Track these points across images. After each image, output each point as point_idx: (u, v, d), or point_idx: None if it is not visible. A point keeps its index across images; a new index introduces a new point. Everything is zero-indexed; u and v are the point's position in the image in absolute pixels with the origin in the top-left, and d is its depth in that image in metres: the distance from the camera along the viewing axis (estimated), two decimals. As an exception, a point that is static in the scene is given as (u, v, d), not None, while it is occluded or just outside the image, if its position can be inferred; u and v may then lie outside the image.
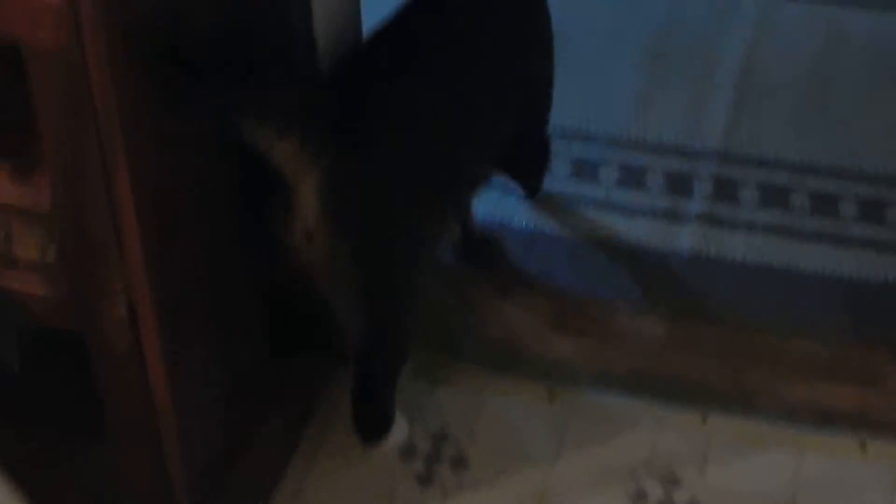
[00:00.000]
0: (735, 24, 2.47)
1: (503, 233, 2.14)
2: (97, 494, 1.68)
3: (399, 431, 1.83)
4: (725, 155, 2.25)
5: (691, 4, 2.51)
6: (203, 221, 1.56)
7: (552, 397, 1.91)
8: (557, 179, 2.21)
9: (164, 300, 1.45)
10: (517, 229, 2.14)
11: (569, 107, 2.27)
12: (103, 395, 1.52)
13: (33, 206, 1.41)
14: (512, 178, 2.13)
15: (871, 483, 1.78)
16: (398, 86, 1.67)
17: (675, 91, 2.36)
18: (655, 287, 2.07)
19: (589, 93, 2.35)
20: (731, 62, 2.40)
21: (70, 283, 1.44)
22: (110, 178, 1.34)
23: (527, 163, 2.14)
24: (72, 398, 1.70)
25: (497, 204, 2.16)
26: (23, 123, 1.35)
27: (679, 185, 2.21)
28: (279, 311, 1.79)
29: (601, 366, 1.95)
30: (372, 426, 1.80)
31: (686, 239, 2.12)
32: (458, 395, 1.91)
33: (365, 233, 1.64)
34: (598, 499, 1.77)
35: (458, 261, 2.10)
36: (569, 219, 2.16)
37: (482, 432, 1.86)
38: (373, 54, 1.74)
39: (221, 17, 1.48)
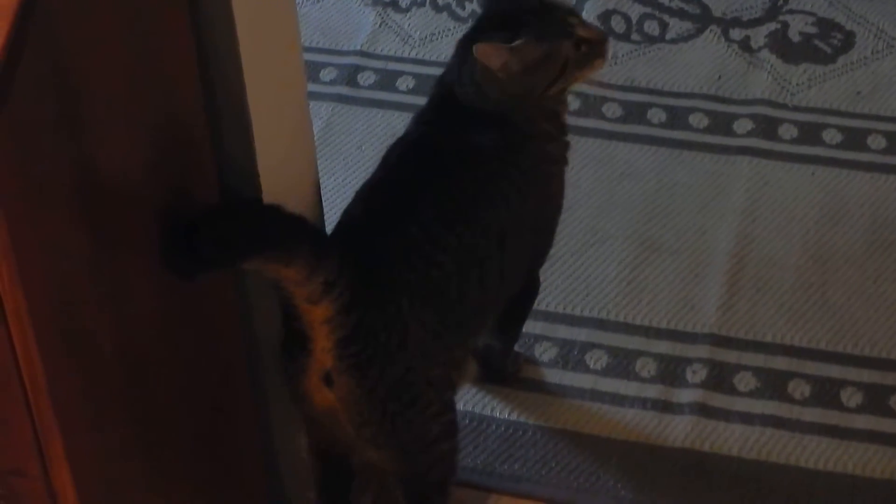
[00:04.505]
0: (727, 194, 2.34)
1: (482, 426, 2.01)
2: None
3: None
4: (719, 338, 2.13)
5: (681, 174, 2.37)
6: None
7: None
8: (541, 366, 2.09)
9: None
10: (498, 421, 2.02)
11: (554, 290, 2.17)
12: None
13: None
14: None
15: None
16: (407, 228, 1.66)
17: (666, 270, 2.23)
18: (646, 484, 1.94)
19: (575, 275, 2.23)
20: (723, 238, 2.27)
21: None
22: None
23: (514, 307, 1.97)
24: None
25: (475, 395, 2.04)
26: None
27: (671, 371, 2.08)
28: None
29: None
30: None
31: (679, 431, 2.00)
32: None
33: (383, 362, 1.60)
34: None
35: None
36: (553, 409, 2.04)
37: None
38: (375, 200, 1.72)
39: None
